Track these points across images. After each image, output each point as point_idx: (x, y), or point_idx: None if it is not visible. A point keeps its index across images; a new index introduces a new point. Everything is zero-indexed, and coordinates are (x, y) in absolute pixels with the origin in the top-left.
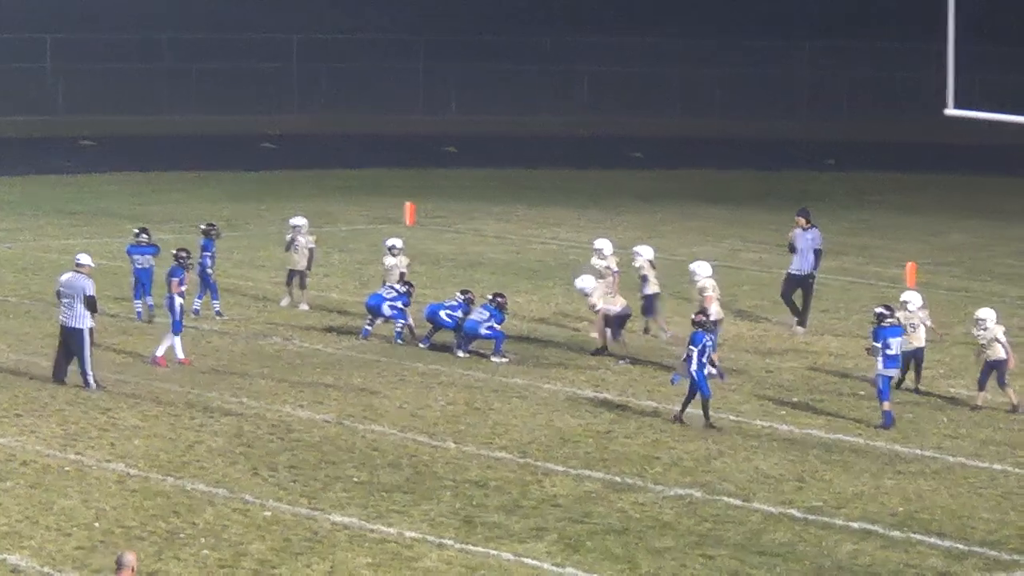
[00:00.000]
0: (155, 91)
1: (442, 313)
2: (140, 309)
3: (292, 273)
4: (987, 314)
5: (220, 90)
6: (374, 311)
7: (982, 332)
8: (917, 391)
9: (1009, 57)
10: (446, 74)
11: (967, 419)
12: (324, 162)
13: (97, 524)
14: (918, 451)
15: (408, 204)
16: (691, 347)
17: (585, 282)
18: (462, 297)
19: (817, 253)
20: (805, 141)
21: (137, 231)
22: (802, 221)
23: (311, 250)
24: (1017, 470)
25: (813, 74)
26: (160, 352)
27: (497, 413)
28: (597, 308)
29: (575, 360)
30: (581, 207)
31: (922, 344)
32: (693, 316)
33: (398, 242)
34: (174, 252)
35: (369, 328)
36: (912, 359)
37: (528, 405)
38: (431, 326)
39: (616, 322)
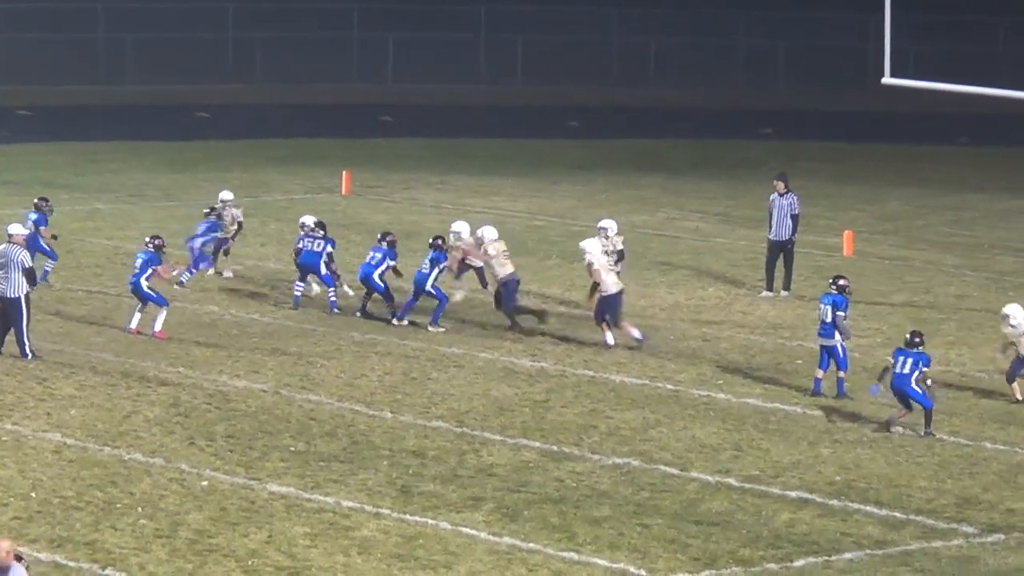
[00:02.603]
0: (91, 60)
1: (375, 276)
2: (49, 269)
3: (220, 242)
4: (1014, 310)
5: (155, 59)
6: (366, 282)
7: (1011, 328)
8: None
9: (944, 26)
10: (382, 43)
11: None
12: (260, 131)
13: (34, 494)
14: (854, 420)
15: (344, 173)
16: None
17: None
18: (385, 243)
19: (794, 218)
20: (741, 110)
21: (41, 201)
22: (780, 186)
23: (240, 223)
24: (953, 439)
25: (750, 43)
26: (158, 327)
27: (434, 383)
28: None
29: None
30: (518, 176)
31: None
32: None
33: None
34: (149, 240)
35: (299, 293)
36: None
37: (465, 374)
38: (366, 291)
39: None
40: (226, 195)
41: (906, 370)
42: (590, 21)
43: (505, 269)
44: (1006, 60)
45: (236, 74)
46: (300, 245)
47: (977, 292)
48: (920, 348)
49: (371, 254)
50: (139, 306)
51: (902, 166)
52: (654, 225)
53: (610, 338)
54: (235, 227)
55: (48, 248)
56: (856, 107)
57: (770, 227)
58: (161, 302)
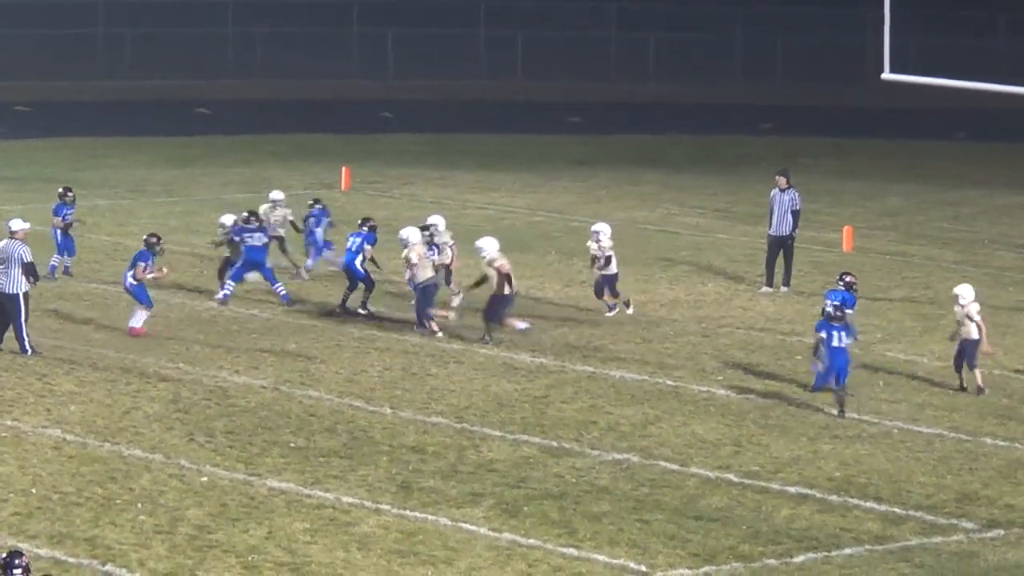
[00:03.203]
0: (91, 56)
1: (357, 262)
2: (55, 264)
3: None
4: (963, 290)
5: (155, 54)
6: (348, 270)
7: (959, 308)
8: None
9: (944, 21)
10: (381, 38)
11: (904, 383)
12: (260, 127)
13: (34, 490)
14: (855, 415)
15: (344, 169)
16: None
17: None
18: (366, 227)
19: (795, 214)
20: (741, 105)
21: (62, 190)
22: (782, 181)
23: (291, 222)
24: (953, 434)
25: (749, 39)
26: (136, 323)
27: (434, 378)
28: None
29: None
30: (517, 172)
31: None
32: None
33: (278, 195)
34: (145, 237)
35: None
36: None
37: (465, 370)
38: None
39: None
40: (276, 195)
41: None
42: (591, 16)
43: (426, 273)
44: (1006, 55)
45: (236, 69)
46: (238, 239)
47: (976, 287)
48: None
49: (350, 240)
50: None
51: (901, 162)
52: (654, 221)
53: (521, 323)
54: (284, 228)
55: (62, 241)
56: (856, 103)
57: (771, 223)
58: (144, 300)
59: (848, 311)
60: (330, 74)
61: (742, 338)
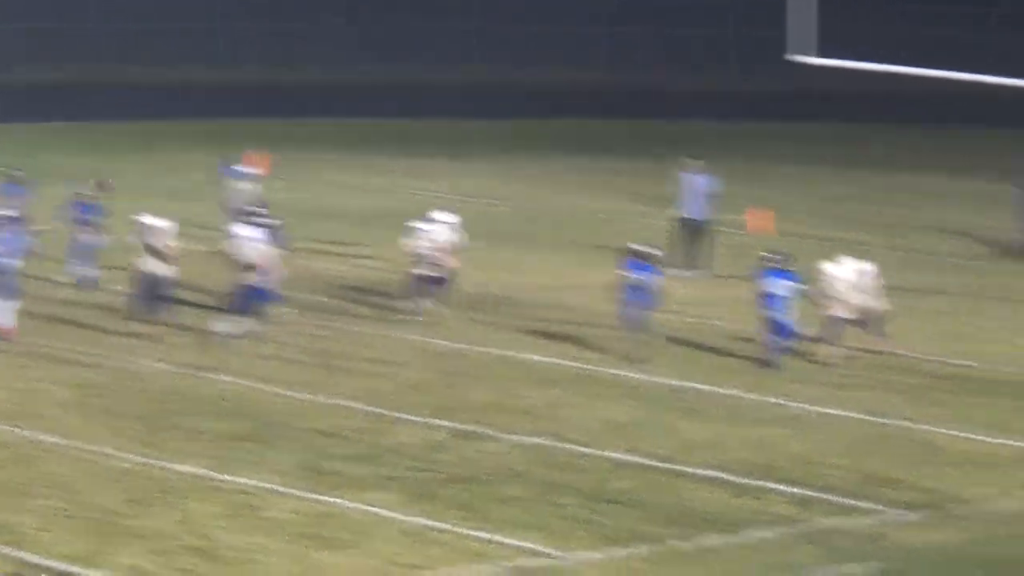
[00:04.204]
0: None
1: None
2: None
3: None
4: (829, 267)
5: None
6: None
7: (823, 287)
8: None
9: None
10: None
11: (815, 367)
12: (175, 112)
13: None
14: (767, 398)
15: (257, 154)
16: None
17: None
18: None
19: (711, 198)
20: (672, 92)
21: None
22: (696, 165)
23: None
24: (863, 416)
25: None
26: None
27: (346, 361)
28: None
29: (427, 309)
30: (441, 157)
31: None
32: None
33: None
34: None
35: None
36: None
37: (378, 354)
38: None
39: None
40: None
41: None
42: (537, 6)
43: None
44: (930, 40)
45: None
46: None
47: (892, 270)
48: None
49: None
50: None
51: (819, 146)
52: (572, 205)
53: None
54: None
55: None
56: (773, 87)
57: (686, 206)
58: (10, 292)
59: (804, 287)
60: (253, 59)
61: (655, 321)
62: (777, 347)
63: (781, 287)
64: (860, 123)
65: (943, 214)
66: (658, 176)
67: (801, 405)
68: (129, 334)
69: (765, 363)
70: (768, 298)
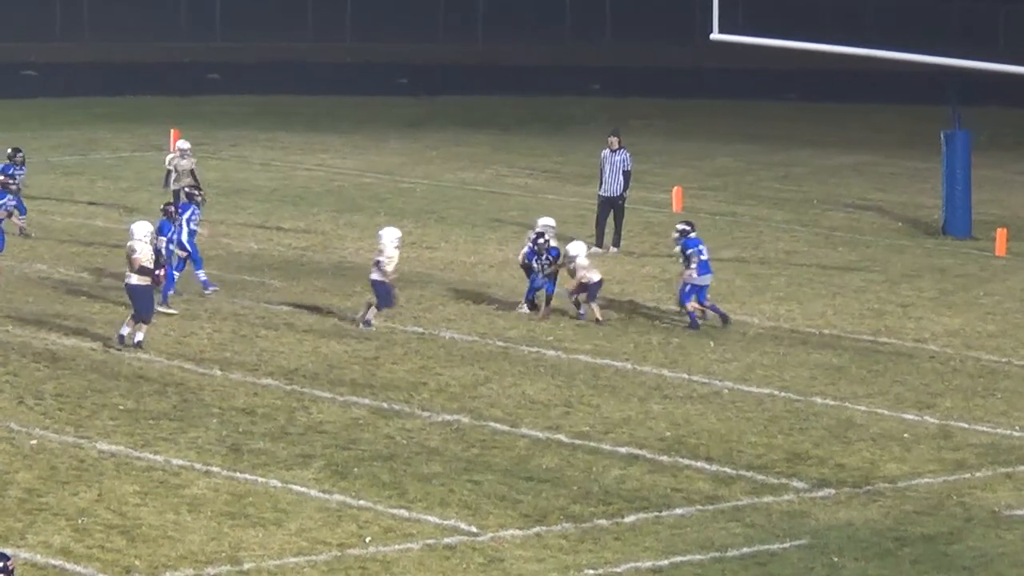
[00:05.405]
0: None
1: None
2: None
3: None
4: (574, 247)
5: None
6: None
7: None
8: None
9: None
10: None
11: (734, 343)
12: (88, 89)
13: None
14: (685, 376)
15: (173, 131)
16: None
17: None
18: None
19: (626, 175)
20: (569, 66)
21: (11, 151)
22: (613, 142)
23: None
24: (783, 393)
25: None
26: None
27: (264, 340)
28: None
29: (341, 287)
30: (347, 134)
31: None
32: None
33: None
34: None
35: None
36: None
37: (294, 332)
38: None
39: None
40: (183, 144)
41: None
42: None
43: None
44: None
45: (63, 32)
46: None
47: (806, 247)
48: None
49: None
50: None
51: (731, 122)
52: (484, 182)
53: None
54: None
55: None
56: (685, 63)
57: (601, 183)
58: None
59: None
60: (158, 36)
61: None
62: (693, 312)
63: (704, 253)
64: (751, 98)
65: (852, 190)
66: (555, 153)
67: (721, 382)
68: (46, 307)
69: (691, 326)
70: (699, 265)
